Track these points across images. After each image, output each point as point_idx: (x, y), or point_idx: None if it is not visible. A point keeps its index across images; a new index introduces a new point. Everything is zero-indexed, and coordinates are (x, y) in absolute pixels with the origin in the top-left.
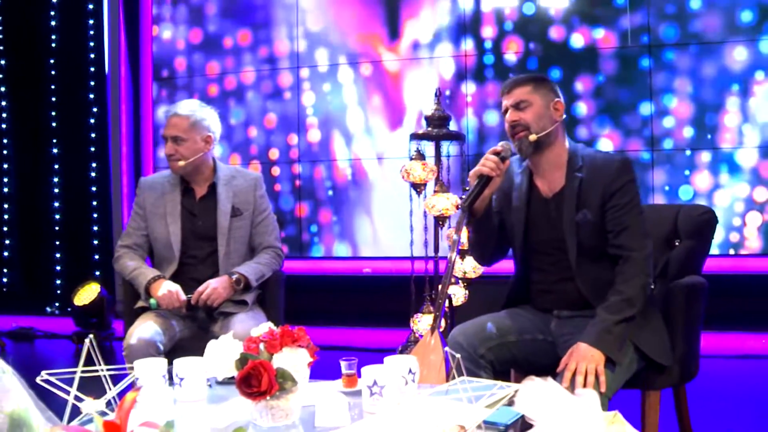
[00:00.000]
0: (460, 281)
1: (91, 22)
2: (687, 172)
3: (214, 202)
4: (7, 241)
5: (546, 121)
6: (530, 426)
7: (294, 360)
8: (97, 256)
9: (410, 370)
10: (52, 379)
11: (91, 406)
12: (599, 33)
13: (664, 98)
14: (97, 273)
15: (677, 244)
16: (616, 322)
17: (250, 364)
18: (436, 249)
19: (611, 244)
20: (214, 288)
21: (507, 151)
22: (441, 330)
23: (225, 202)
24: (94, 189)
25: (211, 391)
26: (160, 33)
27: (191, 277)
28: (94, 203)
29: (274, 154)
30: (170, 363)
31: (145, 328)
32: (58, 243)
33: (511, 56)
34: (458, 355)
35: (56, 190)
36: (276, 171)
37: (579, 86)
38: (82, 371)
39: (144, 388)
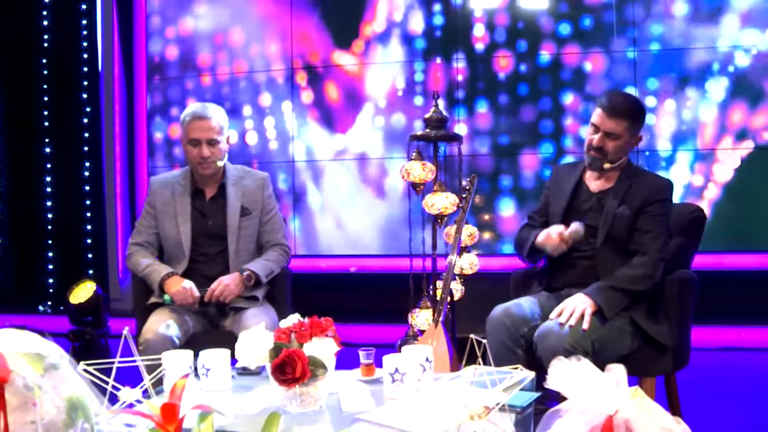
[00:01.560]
0: (456, 277)
1: (84, 22)
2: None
3: (223, 202)
4: None
5: (623, 153)
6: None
7: (322, 349)
8: (90, 255)
9: (427, 359)
10: (91, 369)
11: (128, 394)
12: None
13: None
14: (91, 272)
15: (668, 241)
16: (613, 286)
17: (285, 353)
18: (434, 246)
19: (634, 240)
20: (226, 285)
21: (576, 235)
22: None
23: (234, 201)
24: (87, 188)
25: (233, 381)
26: (154, 32)
27: (201, 275)
28: (88, 202)
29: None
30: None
31: (161, 323)
32: (50, 242)
33: (502, 67)
34: (484, 341)
35: (49, 189)
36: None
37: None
38: (119, 361)
39: (178, 376)
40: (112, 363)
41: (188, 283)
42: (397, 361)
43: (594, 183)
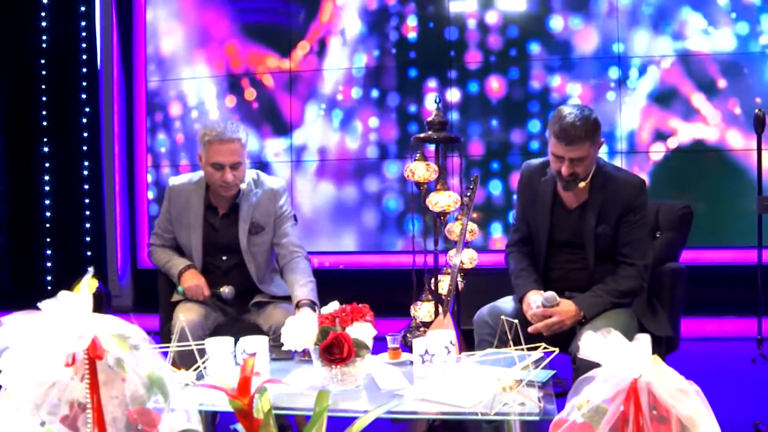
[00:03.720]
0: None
1: (83, 23)
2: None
3: (235, 218)
4: None
5: (593, 165)
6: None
7: (362, 332)
8: (89, 253)
9: (451, 342)
10: None
11: (184, 376)
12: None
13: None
14: (89, 269)
15: (658, 235)
16: (606, 300)
17: (332, 335)
18: (436, 243)
19: (618, 252)
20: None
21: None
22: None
23: (246, 218)
24: (86, 187)
25: (270, 365)
26: (154, 32)
27: (216, 286)
28: (87, 201)
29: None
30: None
31: (191, 314)
32: (49, 240)
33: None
34: (515, 321)
35: (47, 188)
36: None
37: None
38: (176, 346)
39: (221, 360)
40: (168, 347)
41: (201, 281)
42: (427, 344)
43: (569, 199)
